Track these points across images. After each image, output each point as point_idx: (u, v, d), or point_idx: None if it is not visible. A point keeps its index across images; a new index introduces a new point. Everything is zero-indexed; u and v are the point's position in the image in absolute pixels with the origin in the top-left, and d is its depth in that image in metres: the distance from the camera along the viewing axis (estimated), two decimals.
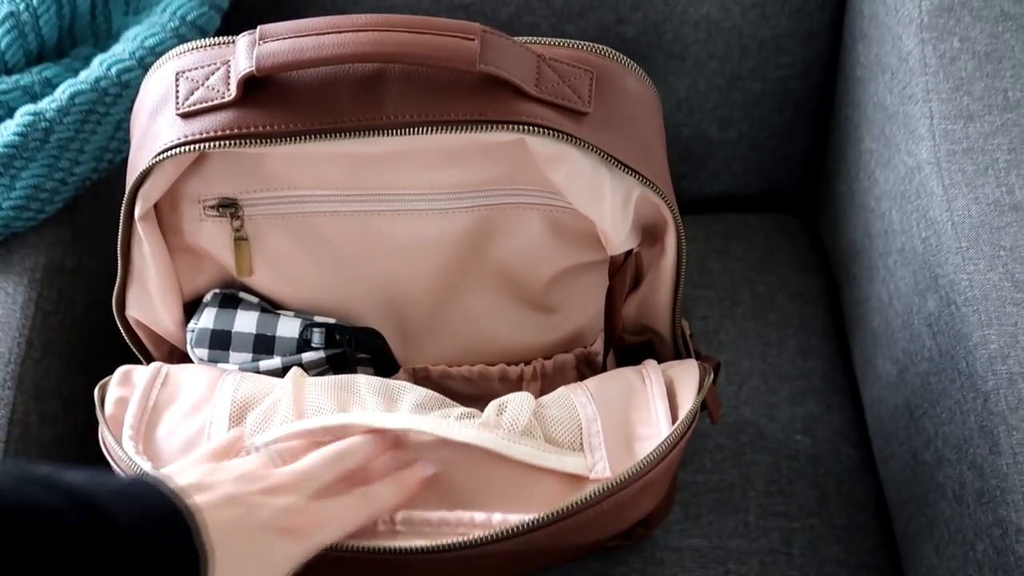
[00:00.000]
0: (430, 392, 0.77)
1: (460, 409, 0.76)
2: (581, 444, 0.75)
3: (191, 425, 0.75)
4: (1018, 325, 0.78)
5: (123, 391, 0.78)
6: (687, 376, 0.78)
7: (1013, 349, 0.77)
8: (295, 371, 0.78)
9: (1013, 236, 0.81)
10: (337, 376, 0.78)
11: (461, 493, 0.74)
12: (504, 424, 0.74)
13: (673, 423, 0.75)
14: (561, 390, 0.79)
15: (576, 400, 0.77)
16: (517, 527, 0.70)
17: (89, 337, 0.95)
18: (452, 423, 0.74)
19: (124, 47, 0.91)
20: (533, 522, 0.71)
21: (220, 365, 0.81)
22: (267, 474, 0.68)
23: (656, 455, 0.73)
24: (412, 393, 0.77)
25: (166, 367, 0.80)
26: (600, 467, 0.74)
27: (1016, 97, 0.87)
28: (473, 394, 0.86)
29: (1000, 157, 0.85)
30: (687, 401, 0.76)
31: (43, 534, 0.52)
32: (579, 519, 0.72)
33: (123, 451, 0.74)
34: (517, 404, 0.75)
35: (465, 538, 0.71)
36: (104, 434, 0.75)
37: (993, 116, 0.87)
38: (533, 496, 0.73)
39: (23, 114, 0.87)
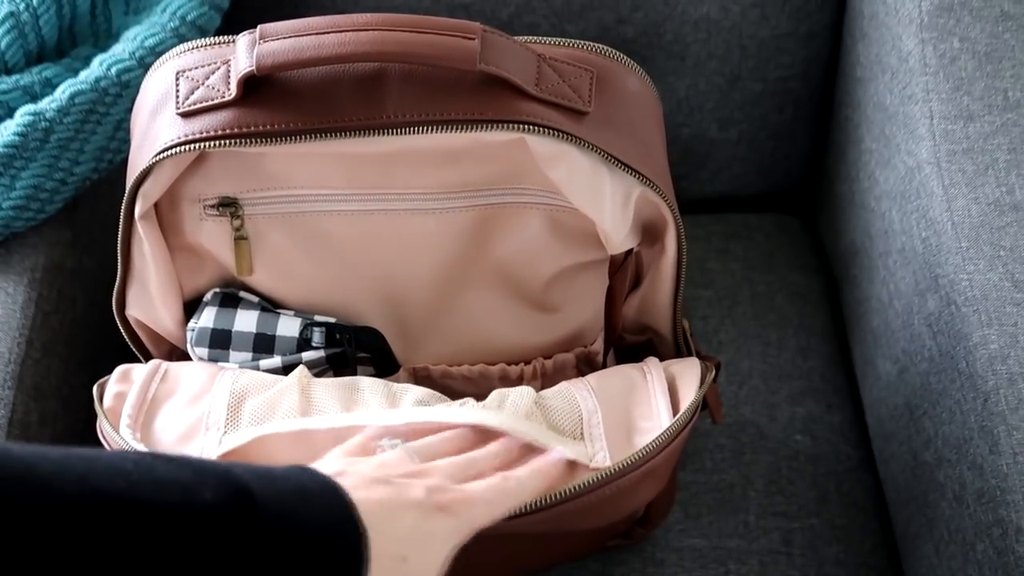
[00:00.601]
0: (429, 390, 0.77)
1: (459, 400, 0.76)
2: (582, 433, 0.75)
3: (189, 416, 0.75)
4: (1018, 325, 0.78)
5: (121, 387, 0.77)
6: (689, 372, 0.78)
7: (1013, 349, 0.77)
8: (301, 368, 0.78)
9: (1013, 236, 0.81)
10: (339, 379, 0.78)
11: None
12: (507, 408, 0.74)
13: (674, 416, 0.76)
14: (562, 384, 0.79)
15: (577, 393, 0.77)
16: (522, 507, 0.70)
17: (89, 337, 0.95)
18: (457, 409, 0.74)
19: (124, 47, 0.91)
20: (537, 503, 0.70)
21: (220, 364, 0.81)
22: (409, 463, 0.66)
23: (658, 444, 0.73)
24: (412, 392, 0.77)
25: (165, 364, 0.79)
26: (600, 456, 0.73)
27: (1016, 97, 0.87)
28: (473, 394, 0.85)
29: (1000, 157, 0.85)
30: (689, 397, 0.76)
31: (175, 514, 0.50)
32: (580, 504, 0.71)
33: (120, 438, 0.74)
34: (518, 394, 0.76)
35: None
36: (102, 424, 0.75)
37: (993, 116, 0.87)
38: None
39: (23, 114, 0.87)
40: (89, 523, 0.47)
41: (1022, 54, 0.89)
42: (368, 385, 0.77)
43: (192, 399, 0.76)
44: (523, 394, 0.76)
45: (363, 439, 0.70)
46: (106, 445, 0.75)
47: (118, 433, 0.74)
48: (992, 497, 0.75)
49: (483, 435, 0.72)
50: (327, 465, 0.63)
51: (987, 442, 0.76)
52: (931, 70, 0.89)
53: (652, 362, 0.80)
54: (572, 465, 0.73)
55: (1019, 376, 0.76)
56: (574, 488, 0.71)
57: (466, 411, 0.73)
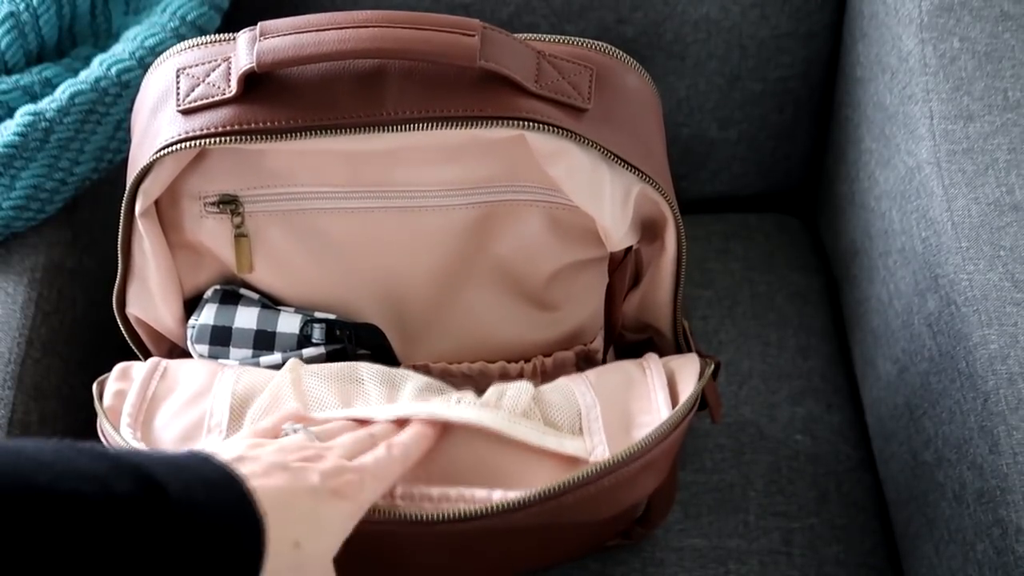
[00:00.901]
0: (429, 379, 0.78)
1: (460, 393, 0.76)
2: (580, 428, 0.75)
3: (190, 416, 0.75)
4: (1018, 325, 0.78)
5: (121, 385, 0.77)
6: (688, 367, 0.79)
7: (1013, 349, 0.77)
8: (292, 362, 0.78)
9: (1013, 236, 0.81)
10: (338, 365, 0.78)
11: (461, 472, 0.73)
12: (505, 406, 0.74)
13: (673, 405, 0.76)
14: (561, 379, 0.79)
15: (576, 388, 0.77)
16: (519, 501, 0.70)
17: (89, 337, 0.95)
18: (453, 406, 0.74)
19: (124, 47, 0.91)
20: (535, 496, 0.70)
21: (221, 361, 0.81)
22: (307, 445, 0.67)
23: (657, 435, 0.73)
24: (413, 380, 0.77)
25: (164, 362, 0.79)
26: (600, 450, 0.73)
27: (1016, 97, 0.87)
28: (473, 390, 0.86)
29: (1000, 157, 0.85)
30: (688, 390, 0.76)
31: (94, 505, 0.52)
32: (580, 495, 0.71)
33: (121, 437, 0.74)
34: (516, 389, 0.76)
35: (468, 508, 0.70)
36: (102, 423, 0.75)
37: (993, 116, 0.87)
38: (533, 478, 0.73)
39: (23, 114, 0.87)
40: (13, 514, 0.49)
41: (1022, 54, 0.89)
42: (368, 374, 0.77)
43: (192, 398, 0.76)
44: (521, 390, 0.76)
45: (276, 421, 0.72)
46: (106, 444, 0.75)
47: (118, 432, 0.74)
48: (992, 497, 0.75)
49: None
50: (229, 449, 0.65)
51: (987, 442, 0.76)
52: (931, 70, 0.89)
53: (651, 357, 0.81)
54: (572, 460, 0.73)
55: (1019, 376, 0.76)
56: (574, 479, 0.71)
57: (463, 409, 0.73)
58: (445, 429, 0.74)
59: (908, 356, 0.89)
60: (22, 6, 0.91)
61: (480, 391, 0.84)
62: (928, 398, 0.85)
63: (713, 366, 0.79)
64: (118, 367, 0.79)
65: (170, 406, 0.76)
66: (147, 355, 0.84)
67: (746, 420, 0.98)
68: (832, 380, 1.01)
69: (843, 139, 1.05)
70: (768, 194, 1.17)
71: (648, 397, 0.77)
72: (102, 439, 0.75)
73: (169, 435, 0.75)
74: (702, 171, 1.15)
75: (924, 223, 0.86)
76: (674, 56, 1.07)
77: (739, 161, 1.14)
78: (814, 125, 1.13)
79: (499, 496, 0.71)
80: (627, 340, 0.87)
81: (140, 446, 0.73)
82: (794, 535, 0.91)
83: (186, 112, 0.72)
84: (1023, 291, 0.79)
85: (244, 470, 0.61)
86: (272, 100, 0.70)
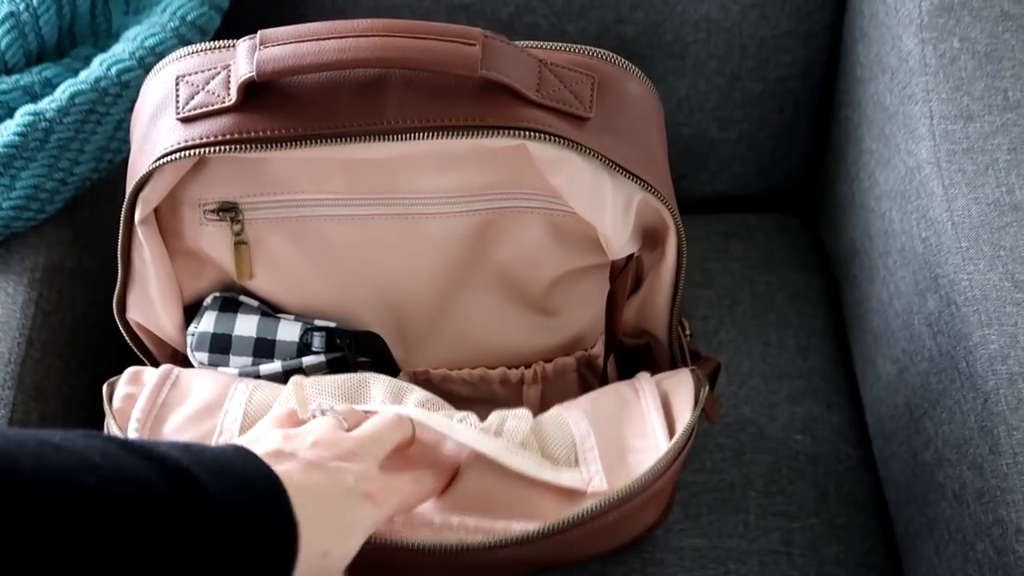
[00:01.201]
0: (430, 395, 0.78)
1: (461, 413, 0.76)
2: (576, 459, 0.75)
3: (200, 429, 0.75)
4: (1018, 325, 0.78)
5: (132, 389, 0.77)
6: (682, 387, 0.78)
7: (1013, 349, 0.77)
8: (296, 379, 0.77)
9: (1013, 236, 0.81)
10: (343, 377, 0.78)
11: (461, 499, 0.74)
12: (505, 434, 0.74)
13: (670, 434, 0.75)
14: (555, 409, 0.79)
15: (569, 416, 0.77)
16: (520, 536, 0.70)
17: (89, 337, 0.95)
18: (456, 424, 0.74)
19: (124, 47, 0.91)
20: (536, 532, 0.71)
21: (220, 369, 0.81)
22: (340, 438, 0.68)
23: (657, 470, 0.73)
24: (416, 393, 0.77)
25: (177, 370, 0.79)
26: (596, 480, 0.74)
27: (1016, 97, 0.87)
28: (474, 397, 0.86)
29: (1000, 157, 0.85)
30: (683, 413, 0.76)
31: (138, 507, 0.53)
32: (583, 531, 0.72)
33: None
34: (516, 419, 0.76)
35: (473, 540, 0.71)
36: (110, 425, 0.75)
37: (993, 116, 0.87)
38: (533, 508, 0.73)
39: (23, 114, 0.87)
40: (65, 514, 0.50)
41: (1022, 54, 0.88)
42: (375, 388, 0.77)
43: (203, 411, 0.76)
44: (521, 419, 0.76)
45: (292, 409, 0.72)
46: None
47: (125, 435, 0.74)
48: (992, 497, 0.75)
49: None
50: (265, 441, 0.65)
51: (987, 442, 0.76)
52: (931, 70, 0.89)
53: (644, 378, 0.80)
54: (570, 492, 0.74)
55: (1019, 376, 0.76)
56: (577, 516, 0.71)
57: (464, 430, 0.74)
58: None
59: (908, 356, 0.89)
60: (22, 6, 0.91)
61: (480, 397, 0.84)
62: (928, 398, 0.85)
63: (707, 387, 0.79)
64: (129, 371, 0.79)
65: (180, 416, 0.76)
66: (150, 358, 0.84)
67: (746, 420, 0.98)
68: (832, 380, 1.01)
69: (843, 139, 1.05)
70: (768, 194, 1.17)
71: (642, 421, 0.77)
72: None
73: None
74: (702, 171, 1.15)
75: (924, 223, 0.86)
76: (674, 56, 1.07)
77: (739, 161, 1.14)
78: (814, 125, 1.13)
79: (501, 527, 0.72)
80: (625, 345, 0.87)
81: None
82: (794, 535, 0.91)
83: (186, 120, 0.71)
84: (1023, 291, 0.79)
85: (282, 468, 0.61)
86: (272, 109, 0.70)
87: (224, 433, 0.75)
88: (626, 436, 0.76)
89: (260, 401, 0.76)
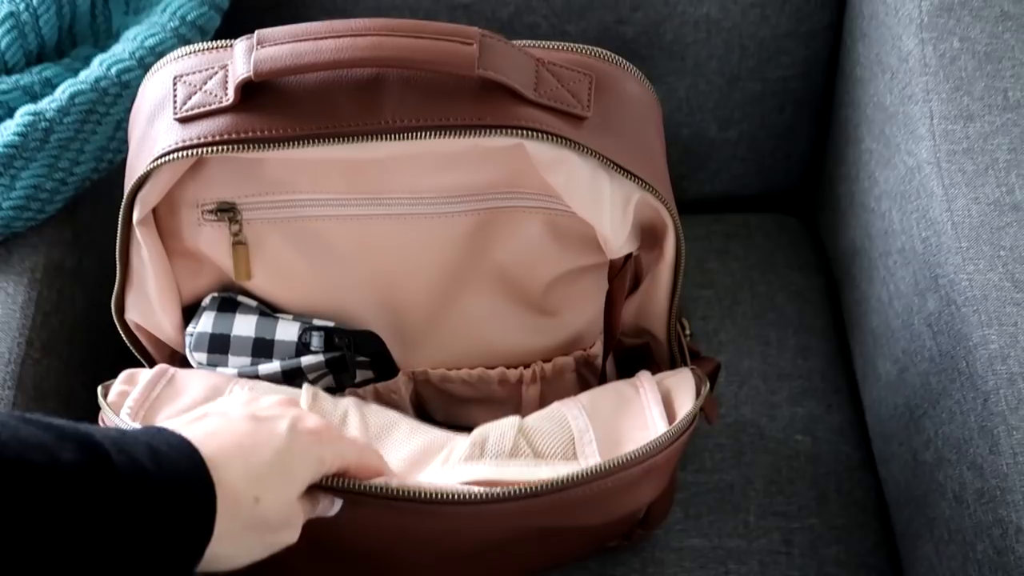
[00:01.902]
0: (416, 425, 0.78)
1: (447, 440, 0.77)
2: (574, 453, 0.75)
3: None
4: (1018, 325, 0.78)
5: (126, 387, 0.78)
6: (684, 385, 0.79)
7: (1013, 349, 0.77)
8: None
9: (1013, 236, 0.81)
10: (330, 404, 0.79)
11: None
12: (489, 452, 0.74)
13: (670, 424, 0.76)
14: (555, 404, 0.79)
15: (568, 413, 0.77)
16: (524, 488, 0.70)
17: (89, 337, 0.95)
18: (439, 468, 0.74)
19: (124, 47, 0.91)
20: (539, 487, 0.70)
21: (219, 369, 0.81)
22: (284, 401, 0.69)
23: (660, 442, 0.73)
24: (402, 429, 0.78)
25: (172, 369, 0.80)
26: (593, 463, 0.74)
27: (1016, 97, 0.87)
28: (472, 397, 0.86)
29: (1000, 157, 0.85)
30: (685, 404, 0.76)
31: (40, 472, 0.53)
32: (582, 493, 0.71)
33: (119, 419, 0.74)
34: (499, 432, 0.76)
35: (474, 492, 0.70)
36: (104, 416, 0.75)
37: (993, 116, 0.87)
38: None
39: (23, 114, 0.87)
40: None
41: (1022, 54, 0.88)
42: (354, 423, 0.78)
43: (195, 408, 0.76)
44: (504, 430, 0.76)
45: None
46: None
47: (118, 416, 0.74)
48: (992, 497, 0.75)
49: None
50: (195, 412, 0.66)
51: (987, 442, 0.76)
52: (931, 70, 0.89)
53: (644, 376, 0.81)
54: None
55: (1019, 376, 0.76)
56: (576, 476, 0.71)
57: (456, 470, 0.74)
58: None
59: (908, 356, 0.89)
60: (22, 6, 0.91)
61: (479, 396, 0.84)
62: (928, 398, 0.85)
63: (708, 385, 0.79)
64: (125, 373, 0.79)
65: (171, 411, 0.76)
66: (149, 359, 0.84)
67: (746, 420, 0.98)
68: (832, 380, 1.01)
69: (843, 139, 1.05)
70: (768, 194, 1.17)
71: (642, 415, 0.77)
72: None
73: None
74: (702, 171, 1.15)
75: (924, 223, 0.86)
76: (674, 56, 1.07)
77: (739, 161, 1.14)
78: (814, 125, 1.13)
79: (500, 485, 0.71)
80: (624, 345, 0.87)
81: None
82: (794, 535, 0.91)
83: (183, 120, 0.71)
84: (1023, 291, 0.79)
85: (202, 429, 0.62)
86: (270, 109, 0.70)
87: None
88: (626, 428, 0.76)
89: None
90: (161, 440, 0.60)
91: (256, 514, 0.61)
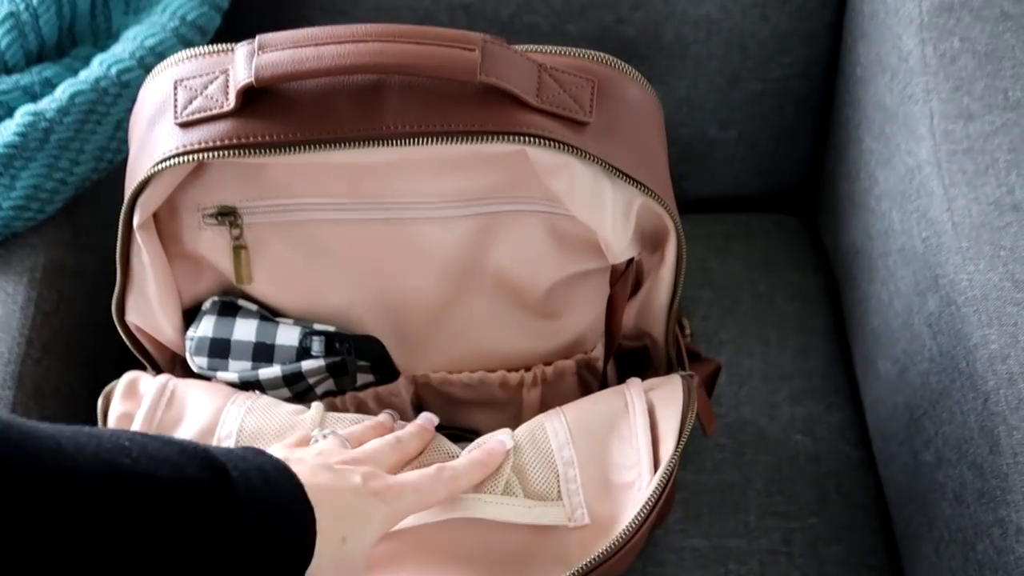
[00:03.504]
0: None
1: (446, 445, 0.78)
2: (559, 492, 0.75)
3: None
4: (1018, 325, 0.78)
5: (128, 406, 0.78)
6: (670, 399, 0.78)
7: (1013, 349, 0.77)
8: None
9: (1013, 236, 0.81)
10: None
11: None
12: (485, 487, 0.75)
13: (655, 455, 0.76)
14: (539, 418, 0.79)
15: (552, 437, 0.77)
16: None
17: (89, 337, 0.95)
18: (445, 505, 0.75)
19: (124, 47, 0.91)
20: None
21: (219, 374, 0.81)
22: (344, 451, 0.71)
23: (640, 519, 0.74)
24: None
25: (172, 382, 0.80)
26: (579, 514, 0.75)
27: (1016, 97, 0.87)
28: (473, 400, 0.86)
29: (1000, 157, 0.85)
30: (668, 436, 0.76)
31: (170, 487, 0.55)
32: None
33: None
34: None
35: None
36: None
37: (993, 116, 0.87)
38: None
39: (23, 114, 0.87)
40: (106, 492, 0.53)
41: (1022, 54, 0.88)
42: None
43: (197, 436, 0.77)
44: (500, 468, 0.76)
45: (302, 434, 0.76)
46: None
47: None
48: (992, 497, 0.75)
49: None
50: (272, 451, 0.68)
51: (987, 442, 0.76)
52: (931, 70, 0.89)
53: (634, 386, 0.81)
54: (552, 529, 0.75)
55: (1019, 376, 0.76)
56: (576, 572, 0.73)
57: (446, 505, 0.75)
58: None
59: (908, 356, 0.89)
60: (22, 6, 0.91)
61: (480, 399, 0.84)
62: (928, 398, 0.85)
63: (694, 392, 0.79)
64: (125, 380, 0.79)
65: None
66: (149, 360, 0.84)
67: (746, 420, 0.98)
68: (832, 380, 1.01)
69: (843, 139, 1.05)
70: (768, 194, 1.17)
71: (631, 442, 0.77)
72: None
73: None
74: (702, 171, 1.15)
75: (924, 223, 0.86)
76: (674, 56, 1.07)
77: (739, 161, 1.14)
78: (814, 125, 1.13)
79: None
80: (624, 347, 0.87)
81: None
82: (794, 535, 0.91)
83: (184, 125, 0.71)
84: (1023, 291, 0.79)
85: (294, 469, 0.64)
86: (271, 114, 0.70)
87: None
88: (611, 464, 0.77)
89: (254, 425, 0.77)
90: (266, 462, 0.62)
91: (343, 553, 0.64)
